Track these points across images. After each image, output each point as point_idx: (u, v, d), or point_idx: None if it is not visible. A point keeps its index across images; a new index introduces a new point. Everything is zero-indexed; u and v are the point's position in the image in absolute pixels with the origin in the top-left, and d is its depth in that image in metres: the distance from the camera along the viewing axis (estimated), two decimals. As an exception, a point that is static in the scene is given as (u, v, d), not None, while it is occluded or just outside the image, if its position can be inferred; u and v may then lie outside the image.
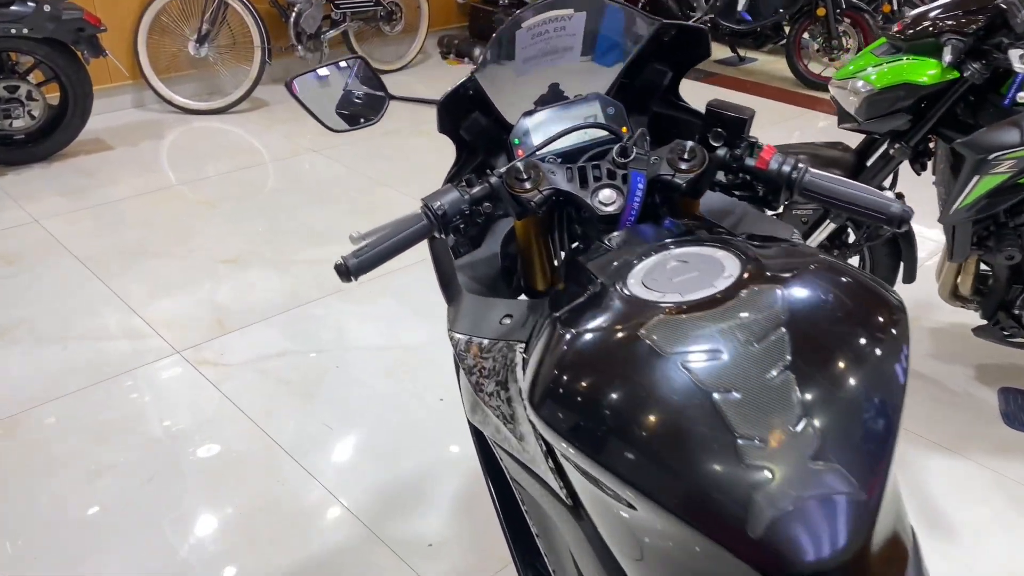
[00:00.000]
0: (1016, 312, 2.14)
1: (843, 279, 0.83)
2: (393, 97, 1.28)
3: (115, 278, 3.01)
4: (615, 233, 1.05)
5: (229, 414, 2.31)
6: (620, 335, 0.80)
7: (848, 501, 0.69)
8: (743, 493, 0.69)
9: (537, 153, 1.20)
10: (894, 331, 0.81)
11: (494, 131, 1.29)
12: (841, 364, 0.76)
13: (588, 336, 0.82)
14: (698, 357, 0.75)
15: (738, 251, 0.89)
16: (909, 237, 2.28)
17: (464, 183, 1.12)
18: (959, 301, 2.30)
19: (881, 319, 0.81)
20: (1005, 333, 2.22)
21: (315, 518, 1.97)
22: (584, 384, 0.79)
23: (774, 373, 0.74)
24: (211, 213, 3.58)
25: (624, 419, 0.75)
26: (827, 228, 2.28)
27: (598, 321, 0.83)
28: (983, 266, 2.23)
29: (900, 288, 2.39)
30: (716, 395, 0.73)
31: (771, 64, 5.95)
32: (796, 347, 0.75)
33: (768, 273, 0.83)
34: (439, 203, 1.08)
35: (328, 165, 4.08)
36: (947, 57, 1.89)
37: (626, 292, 0.86)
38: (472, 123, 1.26)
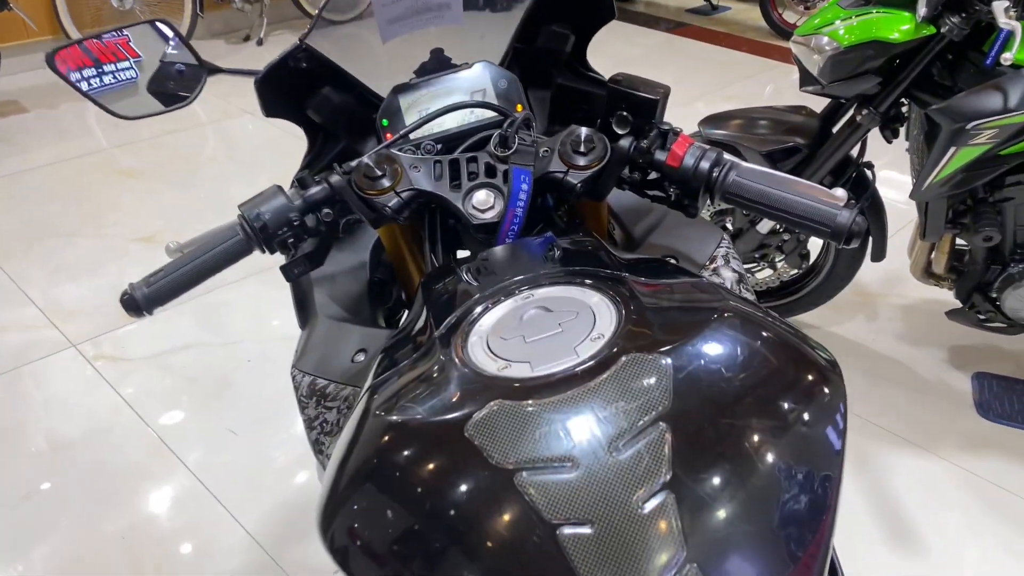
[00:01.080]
0: (994, 295, 1.93)
1: (754, 341, 0.59)
2: (214, 70, 1.02)
3: (13, 260, 2.73)
4: (485, 253, 0.81)
5: (125, 420, 2.07)
6: (441, 431, 0.56)
7: None
8: None
9: (411, 137, 0.95)
10: (825, 416, 0.58)
11: (359, 110, 1.03)
12: (745, 474, 0.53)
13: (399, 432, 0.58)
14: (541, 472, 0.52)
15: (618, 296, 0.65)
16: (878, 209, 2.05)
17: (297, 183, 0.88)
18: (932, 279, 2.09)
19: (808, 399, 0.58)
20: (981, 317, 2.01)
21: (212, 543, 1.75)
22: (386, 512, 0.55)
23: (643, 494, 0.51)
24: (132, 184, 3.28)
25: (435, 564, 0.52)
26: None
27: (418, 404, 0.59)
28: (959, 242, 2.01)
29: (868, 268, 2.17)
30: (563, 530, 0.50)
31: (745, 13, 5.63)
32: (679, 453, 0.52)
33: (652, 332, 0.60)
34: (260, 211, 0.84)
35: (263, 128, 3.77)
36: (922, 10, 1.63)
37: (462, 357, 0.63)
38: (322, 102, 1.00)
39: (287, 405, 2.08)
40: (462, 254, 1.00)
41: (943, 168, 1.67)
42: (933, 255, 2.04)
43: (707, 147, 0.84)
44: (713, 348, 0.58)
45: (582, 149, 0.85)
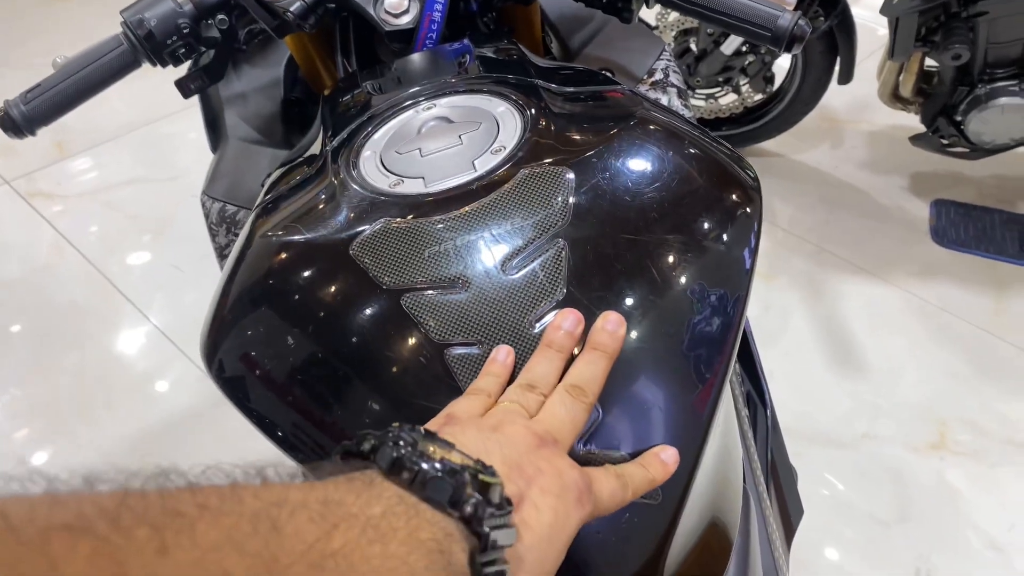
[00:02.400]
0: (958, 118, 1.87)
1: (666, 153, 0.54)
2: None
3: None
4: (391, 63, 0.74)
5: (66, 257, 2.01)
6: (326, 251, 0.51)
7: (635, 509, 0.46)
8: None
9: None
10: (736, 234, 0.54)
11: None
12: (646, 293, 0.49)
13: (284, 253, 0.53)
14: (431, 292, 0.48)
15: (527, 105, 0.58)
16: (848, 29, 1.95)
17: None
18: (899, 103, 2.02)
19: (720, 216, 0.53)
20: (944, 142, 1.96)
21: (162, 379, 1.75)
22: (270, 338, 0.51)
23: (536, 314, 0.47)
24: (62, 9, 3.04)
25: (318, 383, 0.49)
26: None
27: (304, 224, 0.54)
28: (928, 63, 1.92)
29: (836, 92, 2.09)
30: (451, 351, 0.47)
31: None
32: (576, 271, 0.48)
33: (556, 143, 0.54)
34: (143, 17, 0.74)
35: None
36: None
37: (352, 173, 0.57)
38: None
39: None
40: None
41: (917, -21, 1.57)
42: (901, 77, 1.95)
43: None
44: (619, 160, 0.52)
45: None
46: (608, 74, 0.87)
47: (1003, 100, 1.77)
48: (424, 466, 0.34)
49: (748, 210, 0.54)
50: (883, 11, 1.69)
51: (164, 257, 2.01)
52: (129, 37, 0.74)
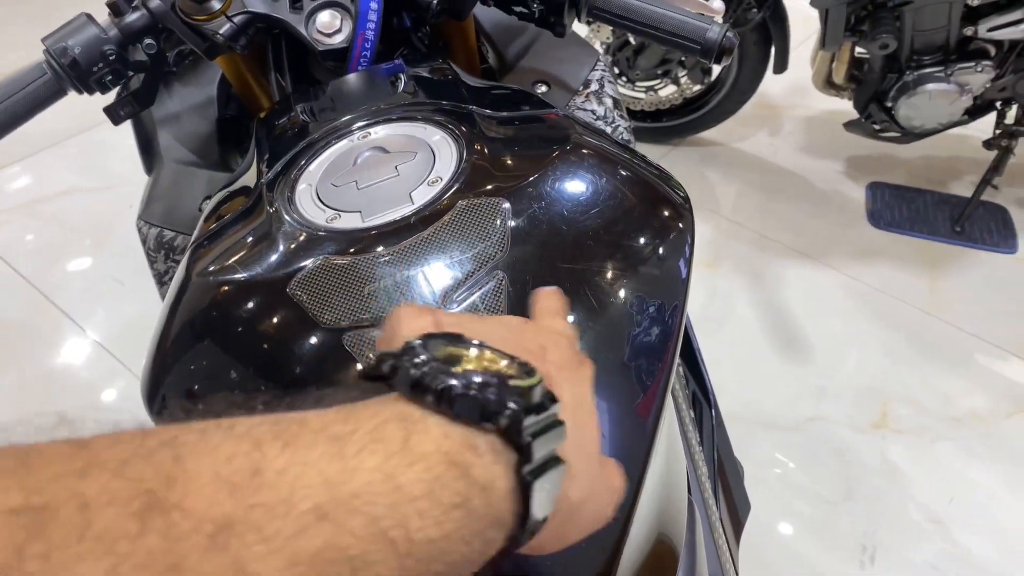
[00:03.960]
0: (888, 105, 1.93)
1: (598, 178, 0.55)
2: None
3: None
4: (322, 86, 0.73)
5: (1, 274, 1.95)
6: (264, 291, 0.51)
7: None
8: None
9: None
10: (669, 250, 0.55)
11: None
12: (587, 317, 0.50)
13: (221, 294, 0.53)
14: (369, 331, 0.48)
15: (461, 133, 0.58)
16: (780, 19, 1.99)
17: (110, 10, 0.76)
18: (833, 89, 2.07)
19: (653, 236, 0.55)
20: (876, 127, 2.02)
21: (107, 395, 1.71)
22: (212, 379, 0.51)
23: None
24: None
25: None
26: None
27: (240, 263, 0.53)
28: (859, 51, 1.97)
29: (772, 80, 2.13)
30: None
31: None
32: (517, 302, 0.49)
33: (492, 173, 0.54)
34: (67, 45, 0.73)
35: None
36: None
37: (288, 208, 0.57)
38: None
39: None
40: None
41: (844, -29, 1.61)
42: (833, 65, 2.00)
43: None
44: (554, 188, 0.53)
45: None
46: (544, 87, 0.88)
47: (930, 86, 1.82)
48: (450, 381, 0.30)
49: (680, 226, 0.56)
50: (813, 3, 1.73)
51: (104, 270, 1.96)
52: (52, 66, 0.72)
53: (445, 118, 0.60)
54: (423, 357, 0.31)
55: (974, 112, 1.93)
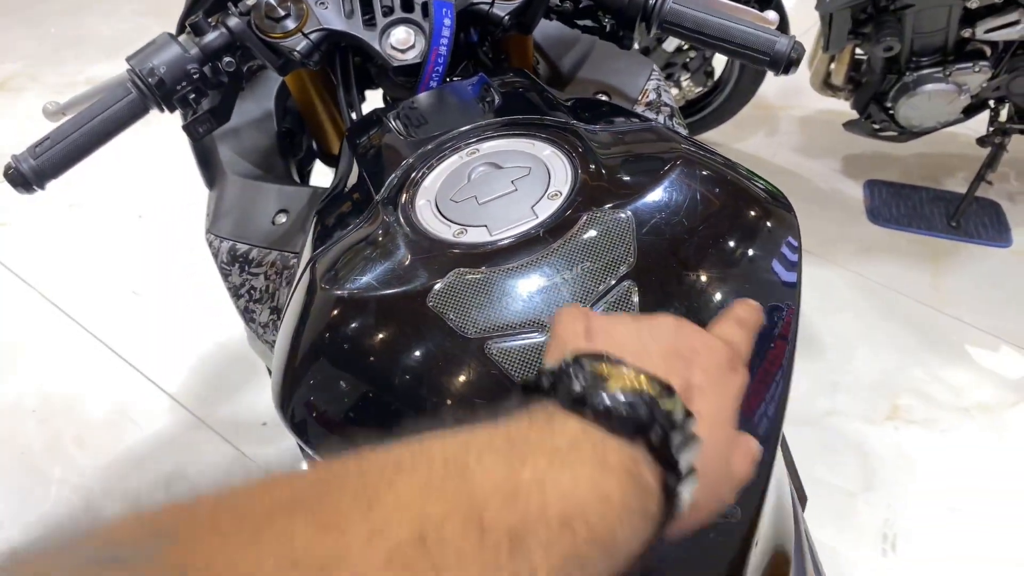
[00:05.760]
0: (888, 105, 1.98)
1: (711, 187, 0.58)
2: None
3: None
4: (411, 100, 0.75)
5: (11, 287, 1.93)
6: (402, 303, 0.53)
7: (717, 529, 0.49)
8: None
9: None
10: (781, 253, 0.58)
11: None
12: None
13: (353, 305, 0.55)
14: (510, 339, 0.51)
15: (570, 147, 0.61)
16: (782, 23, 2.03)
17: (191, 30, 0.77)
18: (831, 90, 2.12)
19: (766, 239, 0.58)
20: (876, 127, 2.07)
21: (132, 409, 1.71)
22: (350, 387, 0.53)
23: None
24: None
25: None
26: None
27: (369, 275, 0.56)
28: (858, 52, 2.02)
29: (769, 80, 2.18)
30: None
31: None
32: (647, 309, 0.51)
33: (610, 185, 0.57)
34: (152, 65, 0.74)
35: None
36: None
37: (412, 222, 0.59)
38: None
39: (188, 260, 1.99)
40: (371, 94, 0.93)
41: (850, -23, 1.65)
42: (833, 66, 2.05)
43: None
44: (672, 198, 0.56)
45: None
46: (605, 96, 0.90)
47: (929, 87, 1.88)
48: (608, 401, 0.35)
49: (789, 232, 0.59)
50: (818, 8, 1.77)
51: (119, 283, 1.95)
52: (138, 85, 0.74)
53: (551, 133, 0.62)
54: (581, 375, 0.36)
55: (969, 111, 1.99)
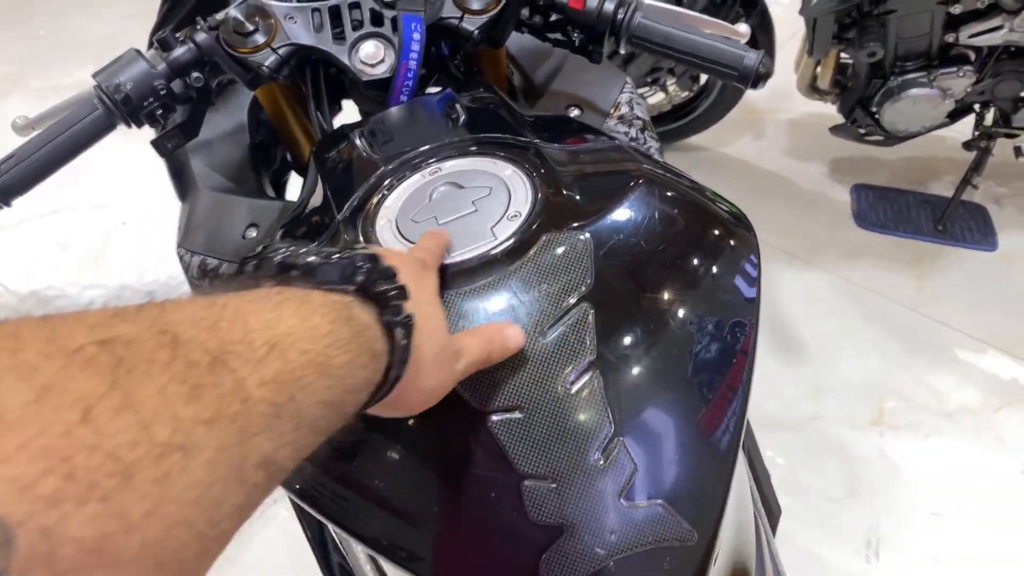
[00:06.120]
0: (873, 110, 1.98)
1: (669, 208, 0.58)
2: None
3: None
4: (378, 117, 0.75)
5: (-5, 295, 1.93)
6: None
7: (674, 552, 0.49)
8: (529, 559, 0.48)
9: None
10: (739, 271, 0.58)
11: None
12: (667, 341, 0.53)
13: None
14: None
15: (532, 167, 0.61)
16: (767, 28, 2.03)
17: (158, 45, 0.77)
18: (817, 94, 2.12)
19: (722, 258, 0.58)
20: (862, 131, 2.07)
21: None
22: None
23: (570, 375, 0.50)
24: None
25: (366, 461, 0.51)
26: None
27: None
28: (843, 56, 2.02)
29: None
30: (493, 418, 0.49)
31: None
32: (603, 331, 0.51)
33: (569, 206, 0.57)
34: (119, 81, 0.74)
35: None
36: None
37: (371, 242, 0.59)
38: None
39: (175, 268, 1.98)
40: (348, 104, 0.93)
41: (832, -18, 1.65)
42: (818, 70, 2.05)
43: None
44: (630, 218, 0.56)
45: None
46: (577, 110, 0.90)
47: (914, 91, 1.88)
48: (311, 259, 0.38)
49: (747, 248, 0.59)
50: (802, 12, 1.77)
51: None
52: (104, 101, 0.73)
53: (514, 152, 0.62)
54: (283, 250, 0.39)
55: (954, 115, 2.00)
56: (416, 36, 0.76)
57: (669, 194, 0.58)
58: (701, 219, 0.58)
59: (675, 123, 2.31)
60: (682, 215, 0.57)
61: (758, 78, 0.75)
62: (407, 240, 0.57)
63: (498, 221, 0.56)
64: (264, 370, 0.30)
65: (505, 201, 0.58)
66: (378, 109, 0.81)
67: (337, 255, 0.39)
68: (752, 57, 0.74)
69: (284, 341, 0.32)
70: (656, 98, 2.25)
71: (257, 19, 0.75)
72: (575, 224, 0.55)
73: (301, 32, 0.77)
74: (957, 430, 1.69)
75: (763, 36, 2.02)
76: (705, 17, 0.85)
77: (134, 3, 3.05)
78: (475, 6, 0.77)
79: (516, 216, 0.56)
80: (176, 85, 0.76)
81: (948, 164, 2.33)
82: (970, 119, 2.05)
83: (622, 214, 0.55)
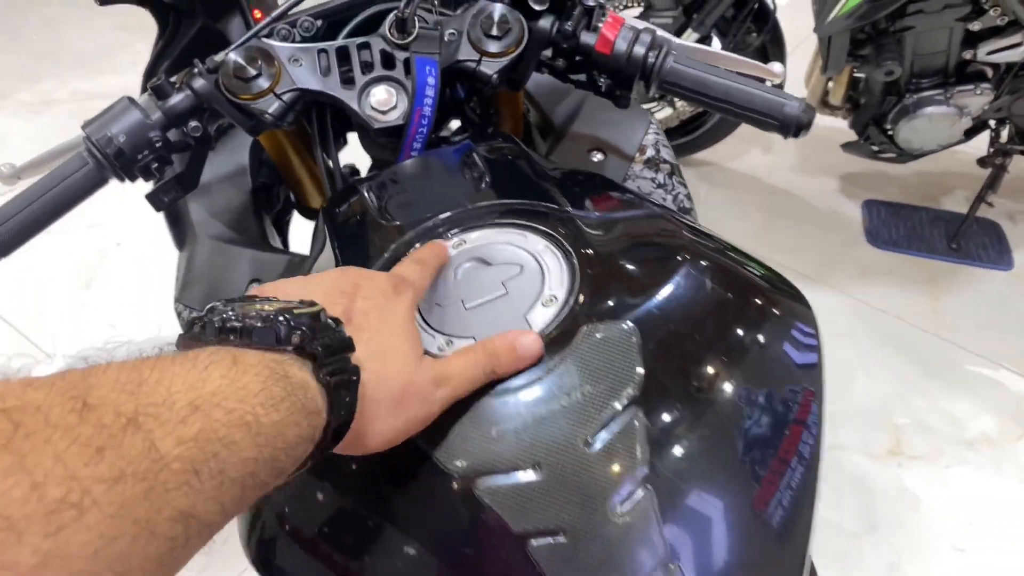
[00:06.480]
0: (887, 127, 1.93)
1: (718, 288, 0.52)
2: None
3: None
4: (391, 171, 0.70)
5: (-15, 321, 1.87)
6: None
7: None
8: None
9: (289, 15, 0.78)
10: (798, 349, 0.53)
11: None
12: (725, 449, 0.47)
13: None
14: (503, 477, 0.45)
15: (566, 241, 0.55)
16: (778, 43, 1.99)
17: (152, 92, 0.71)
18: (828, 109, 2.07)
19: (780, 338, 0.53)
20: (875, 149, 2.02)
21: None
22: (322, 535, 0.48)
23: (619, 494, 0.45)
24: None
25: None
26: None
27: None
28: (855, 72, 1.97)
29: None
30: (534, 542, 0.44)
31: None
32: (655, 440, 0.46)
33: (610, 290, 0.51)
34: (111, 133, 0.68)
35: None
36: None
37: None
38: None
39: (167, 292, 1.92)
40: (353, 137, 0.88)
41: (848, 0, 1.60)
42: (830, 86, 2.00)
43: (640, 27, 0.72)
44: (678, 303, 0.50)
45: (495, 32, 0.72)
46: (600, 155, 0.85)
47: (930, 109, 1.83)
48: (247, 322, 0.38)
49: (803, 322, 0.54)
50: (817, 31, 1.72)
51: (97, 315, 1.89)
52: (95, 155, 0.68)
53: (545, 222, 0.57)
54: (225, 310, 0.39)
55: (969, 132, 1.95)
56: (431, 81, 0.71)
57: (718, 272, 0.53)
58: (754, 298, 0.53)
59: (683, 138, 2.26)
60: (734, 295, 0.52)
61: (800, 127, 0.69)
62: (435, 330, 0.52)
63: (532, 306, 0.51)
64: (184, 429, 0.31)
65: (538, 282, 0.52)
66: (388, 155, 0.75)
67: (275, 313, 0.39)
68: (794, 105, 0.69)
69: (210, 401, 0.33)
70: (663, 113, 2.20)
71: (259, 62, 0.70)
72: (618, 311, 0.49)
73: (307, 76, 0.71)
74: (978, 460, 1.64)
75: (774, 50, 1.97)
76: (737, 57, 0.80)
77: (125, 15, 2.98)
78: (494, 48, 0.71)
79: (552, 301, 0.51)
80: (173, 134, 0.71)
81: (961, 179, 2.28)
82: (985, 134, 2.00)
83: (669, 299, 0.50)
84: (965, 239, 2.09)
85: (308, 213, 0.97)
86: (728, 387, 0.49)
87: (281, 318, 0.38)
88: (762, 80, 0.79)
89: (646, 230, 0.59)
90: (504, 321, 0.50)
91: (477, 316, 0.51)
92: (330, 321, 0.41)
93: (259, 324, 0.38)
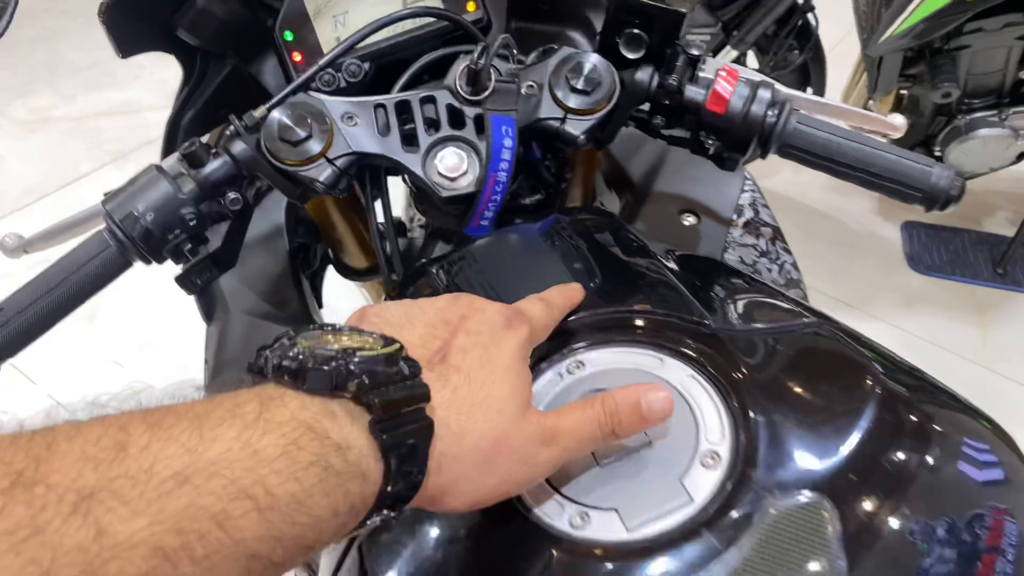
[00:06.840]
0: (936, 149, 1.83)
1: (929, 444, 0.42)
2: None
3: None
4: (469, 251, 0.59)
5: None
6: None
7: None
8: None
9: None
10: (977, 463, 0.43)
11: (248, 16, 0.74)
12: None
13: None
14: None
15: (714, 367, 0.44)
16: (820, 61, 1.88)
17: (184, 159, 0.60)
18: (868, 129, 1.97)
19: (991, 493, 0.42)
20: (920, 171, 1.92)
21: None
22: None
23: None
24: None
25: None
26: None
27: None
28: (900, 90, 1.88)
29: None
30: None
31: None
32: None
33: (787, 449, 0.40)
34: (137, 211, 0.57)
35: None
36: None
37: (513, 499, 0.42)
38: (198, 16, 0.70)
39: (173, 324, 1.81)
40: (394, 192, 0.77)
41: (907, 19, 1.50)
42: (875, 103, 1.90)
43: (756, 79, 0.62)
44: (879, 469, 0.39)
45: (582, 86, 0.61)
46: (692, 218, 0.74)
47: (984, 131, 1.73)
48: (304, 361, 0.33)
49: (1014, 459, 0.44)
50: (868, 50, 1.62)
51: (99, 351, 1.77)
52: (118, 236, 0.57)
53: (681, 342, 0.46)
54: (289, 345, 0.35)
55: (1021, 155, 1.85)
56: (507, 143, 0.60)
57: (906, 408, 0.43)
58: (960, 447, 0.43)
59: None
60: (941, 446, 0.42)
61: (948, 201, 0.59)
62: (563, 496, 0.41)
63: (688, 467, 0.40)
64: (162, 506, 0.27)
65: (692, 430, 0.41)
66: (451, 223, 0.65)
67: (339, 353, 0.33)
68: (943, 176, 0.59)
69: (207, 470, 0.28)
70: (694, 132, 2.10)
71: (310, 123, 0.59)
72: (805, 480, 0.39)
73: (363, 137, 0.61)
74: (1041, 506, 1.54)
75: (815, 67, 1.87)
76: (856, 109, 0.70)
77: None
78: (580, 104, 0.61)
79: (714, 459, 0.40)
80: (206, 205, 0.60)
81: (1003, 199, 2.18)
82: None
83: (866, 461, 0.39)
84: (1012, 264, 1.99)
85: (346, 272, 0.86)
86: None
87: (341, 360, 0.33)
88: (884, 136, 0.69)
89: (812, 351, 0.48)
90: (654, 486, 0.39)
91: (616, 478, 0.40)
92: (404, 366, 0.35)
93: (314, 365, 0.33)
